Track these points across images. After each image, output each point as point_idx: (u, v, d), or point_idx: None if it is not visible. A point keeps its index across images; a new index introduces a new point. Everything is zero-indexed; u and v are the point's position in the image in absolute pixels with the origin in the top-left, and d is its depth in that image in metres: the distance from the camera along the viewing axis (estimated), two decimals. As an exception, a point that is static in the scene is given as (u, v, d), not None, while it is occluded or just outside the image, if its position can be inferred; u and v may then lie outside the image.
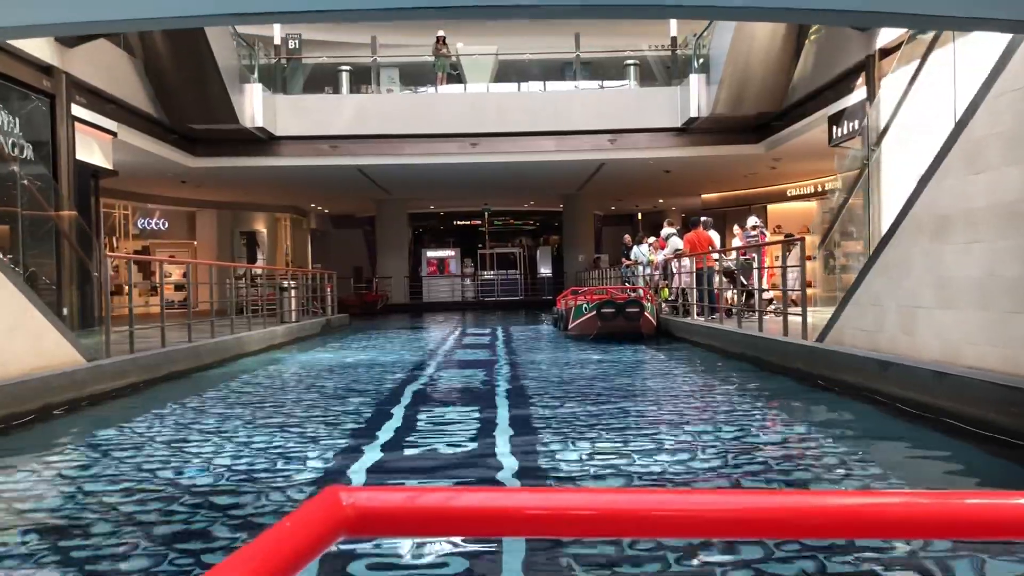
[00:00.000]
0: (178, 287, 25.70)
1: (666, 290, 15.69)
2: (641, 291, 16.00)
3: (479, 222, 38.50)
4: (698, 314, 13.62)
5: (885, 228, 13.09)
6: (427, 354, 12.46)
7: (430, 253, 34.75)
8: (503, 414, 6.39)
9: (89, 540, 3.52)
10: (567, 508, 0.84)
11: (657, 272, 16.50)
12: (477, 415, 6.40)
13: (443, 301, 32.24)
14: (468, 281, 34.36)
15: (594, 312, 13.18)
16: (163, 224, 29.13)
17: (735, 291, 13.33)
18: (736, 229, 16.30)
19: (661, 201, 33.23)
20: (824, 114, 16.65)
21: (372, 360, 11.49)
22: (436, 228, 40.95)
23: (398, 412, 6.64)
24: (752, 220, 14.58)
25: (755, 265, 13.24)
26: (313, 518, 0.77)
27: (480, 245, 36.55)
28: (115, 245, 25.73)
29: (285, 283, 16.88)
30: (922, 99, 9.61)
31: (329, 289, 20.63)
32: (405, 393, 7.82)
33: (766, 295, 13.26)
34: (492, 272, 34.84)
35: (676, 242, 15.05)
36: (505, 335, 16.26)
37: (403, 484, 4.41)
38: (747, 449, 5.19)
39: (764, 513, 0.83)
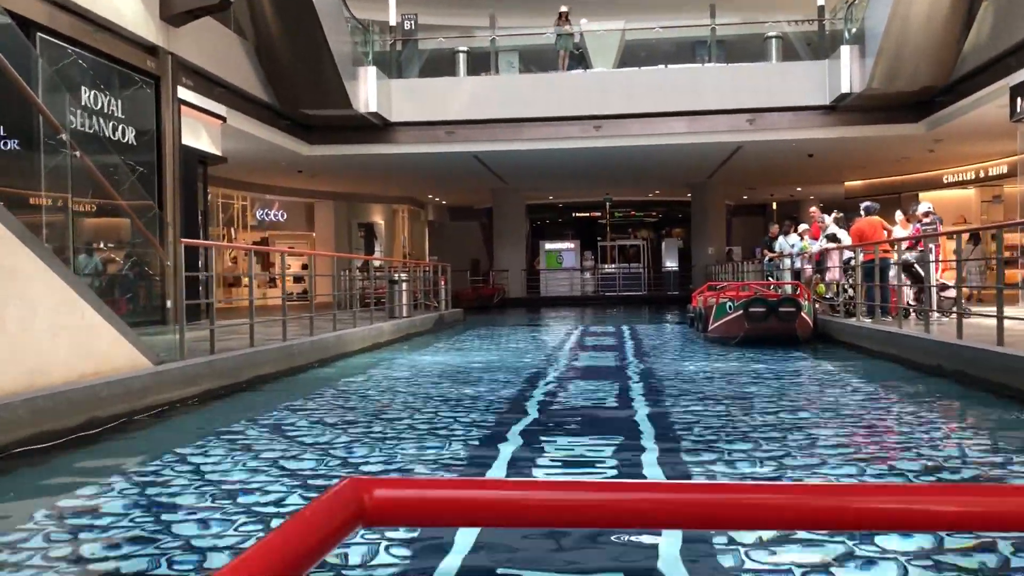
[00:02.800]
0: (296, 279, 25.42)
1: (823, 285, 13.71)
2: (789, 286, 14.08)
3: (599, 214, 36.96)
4: (864, 315, 11.65)
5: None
6: (546, 358, 10.97)
7: (548, 245, 33.40)
8: (649, 458, 4.77)
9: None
10: (583, 500, 0.85)
11: (810, 265, 14.51)
12: (614, 454, 4.87)
13: (561, 295, 30.81)
14: (588, 275, 32.83)
15: (741, 311, 11.42)
16: (282, 215, 28.94)
17: (916, 288, 11.33)
18: (898, 216, 14.19)
19: (799, 189, 30.81)
20: (1004, 85, 14.45)
21: (484, 364, 10.10)
22: (555, 220, 39.61)
23: (510, 446, 5.16)
24: (924, 206, 12.48)
25: (931, 258, 11.28)
26: (333, 508, 0.77)
27: (600, 237, 34.95)
28: (233, 236, 25.59)
29: (396, 276, 15.79)
30: None
31: (443, 282, 19.51)
32: (520, 414, 6.36)
33: (951, 293, 11.20)
34: (613, 266, 33.16)
35: (834, 230, 13.07)
36: (632, 335, 14.60)
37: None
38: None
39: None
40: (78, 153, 7.68)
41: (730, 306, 11.87)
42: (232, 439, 5.46)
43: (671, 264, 33.38)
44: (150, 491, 4.23)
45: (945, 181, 24.55)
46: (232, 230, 26.05)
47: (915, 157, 22.52)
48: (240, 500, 4.01)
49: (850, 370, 8.95)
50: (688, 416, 6.18)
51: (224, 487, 4.26)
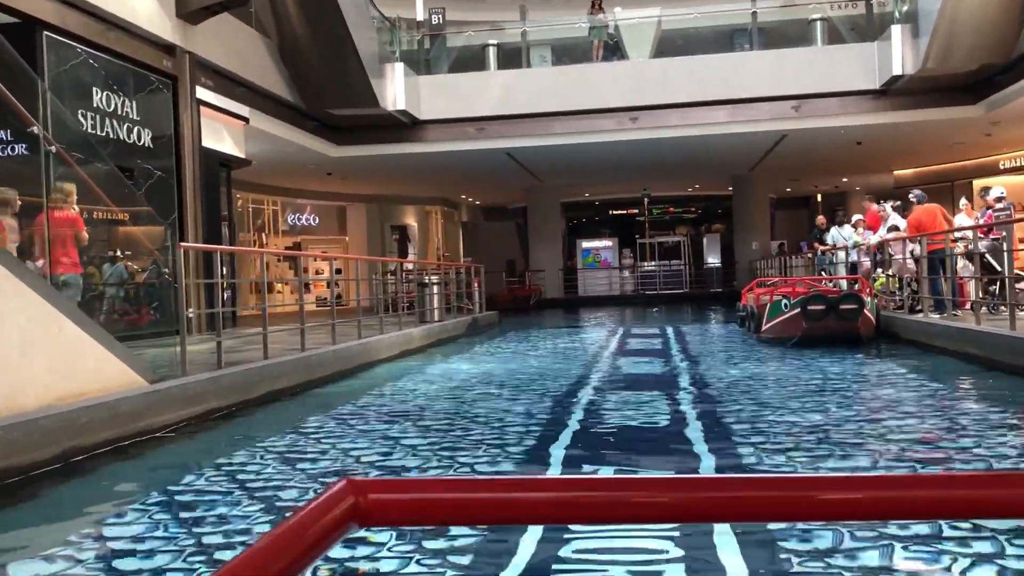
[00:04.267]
0: (329, 284, 24.91)
1: (884, 277, 12.74)
2: (843, 282, 13.12)
3: (636, 211, 36.07)
4: (931, 310, 10.68)
5: None
6: (585, 365, 10.14)
7: (586, 244, 32.57)
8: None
9: None
10: (579, 496, 0.84)
11: (868, 258, 13.54)
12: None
13: (600, 295, 29.95)
14: (627, 273, 31.93)
15: (798, 309, 10.51)
16: (314, 220, 28.50)
17: (986, 280, 10.36)
18: (963, 203, 13.22)
19: (845, 180, 29.63)
20: (1072, 61, 13.40)
21: (517, 374, 9.31)
22: (591, 218, 38.75)
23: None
24: (997, 191, 11.50)
25: (1007, 247, 10.33)
26: (327, 509, 0.78)
27: (638, 235, 34.02)
28: (264, 241, 25.19)
29: (426, 279, 15.10)
30: None
31: (476, 284, 18.77)
32: (557, 439, 5.54)
33: (1026, 285, 10.24)
34: (653, 263, 32.20)
35: (896, 220, 12.12)
36: (678, 337, 13.72)
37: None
38: None
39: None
40: (54, 148, 7.09)
41: (786, 304, 10.96)
42: (228, 473, 4.76)
43: (713, 260, 32.35)
44: (119, 547, 3.55)
45: (1002, 167, 23.40)
46: (263, 235, 25.65)
47: (970, 142, 21.40)
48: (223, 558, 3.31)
49: (931, 375, 7.96)
50: (750, 433, 5.37)
51: (214, 538, 3.57)
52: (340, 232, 29.41)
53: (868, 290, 11.58)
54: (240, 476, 4.67)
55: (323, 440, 5.65)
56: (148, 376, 5.70)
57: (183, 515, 3.91)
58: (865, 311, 10.36)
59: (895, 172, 26.41)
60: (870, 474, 0.95)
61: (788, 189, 32.25)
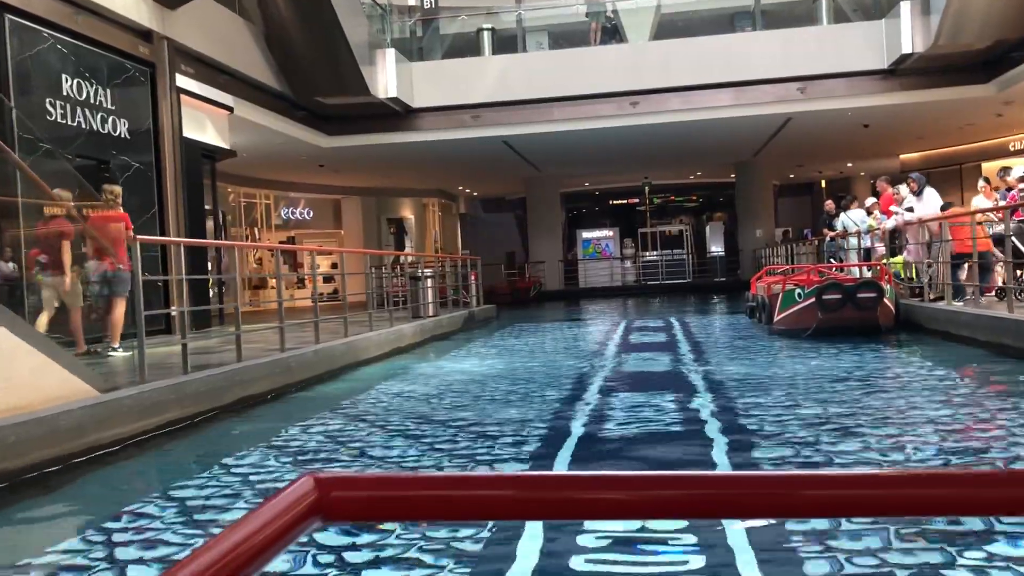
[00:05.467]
0: (326, 279, 24.30)
1: (900, 263, 12.12)
2: (866, 269, 12.47)
3: (637, 200, 35.46)
4: (954, 297, 10.06)
5: None
6: (587, 363, 9.48)
7: (586, 234, 31.96)
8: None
9: None
10: (546, 492, 0.82)
11: (882, 244, 12.90)
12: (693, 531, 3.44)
13: (601, 286, 29.33)
14: (628, 264, 31.32)
15: (813, 299, 9.88)
16: (308, 213, 27.93)
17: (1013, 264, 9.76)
18: (981, 185, 12.60)
19: (850, 165, 29.00)
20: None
21: (514, 373, 8.67)
22: (591, 209, 38.15)
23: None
24: (1020, 170, 10.90)
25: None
26: (290, 504, 0.77)
27: (640, 224, 33.39)
28: (257, 236, 24.59)
29: (418, 272, 14.47)
30: None
31: (473, 277, 18.13)
32: (558, 452, 4.92)
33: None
34: (655, 253, 31.57)
35: (913, 203, 11.50)
36: (684, 330, 13.07)
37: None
38: None
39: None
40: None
41: (800, 293, 10.34)
42: (178, 498, 4.15)
43: (716, 249, 31.70)
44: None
45: (1012, 148, 22.86)
46: (256, 230, 25.06)
47: (980, 123, 20.83)
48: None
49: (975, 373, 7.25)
50: (780, 448, 4.75)
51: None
52: (335, 226, 28.86)
53: (887, 277, 10.93)
54: (184, 496, 4.09)
55: (299, 457, 5.05)
56: (98, 385, 5.10)
57: (120, 552, 3.33)
58: (884, 300, 9.74)
59: (901, 156, 25.85)
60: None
61: (791, 175, 31.63)
